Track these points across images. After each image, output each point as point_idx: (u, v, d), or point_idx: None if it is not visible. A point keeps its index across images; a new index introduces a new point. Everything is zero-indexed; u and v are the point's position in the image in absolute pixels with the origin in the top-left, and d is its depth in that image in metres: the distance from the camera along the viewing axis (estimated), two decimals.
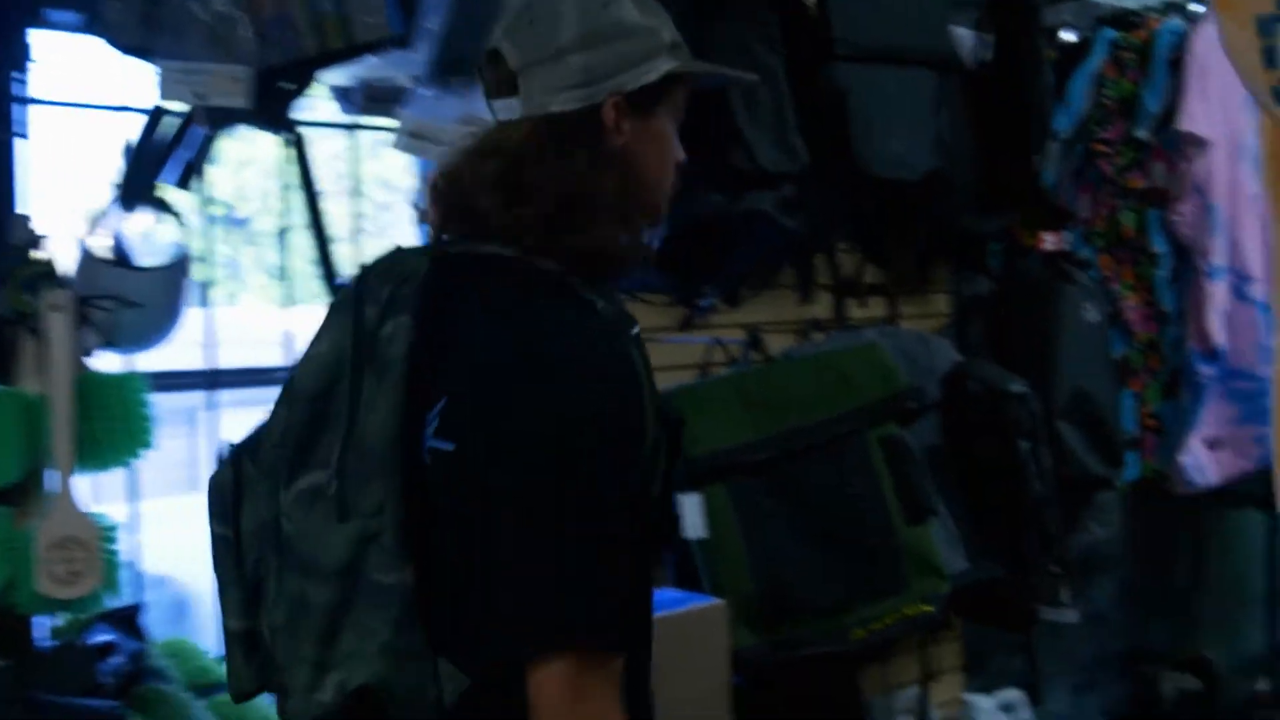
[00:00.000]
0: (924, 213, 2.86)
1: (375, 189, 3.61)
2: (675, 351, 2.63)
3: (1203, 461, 3.06)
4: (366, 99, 2.37)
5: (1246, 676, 3.88)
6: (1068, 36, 3.22)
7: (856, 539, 2.39)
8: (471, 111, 2.09)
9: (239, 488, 1.35)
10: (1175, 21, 3.08)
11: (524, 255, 1.29)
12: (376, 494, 1.24)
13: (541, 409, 1.18)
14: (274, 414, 1.34)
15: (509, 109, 1.33)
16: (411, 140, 2.10)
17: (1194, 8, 3.20)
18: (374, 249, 1.70)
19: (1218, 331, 3.02)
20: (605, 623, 1.17)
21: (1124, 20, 3.17)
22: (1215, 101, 2.96)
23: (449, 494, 1.23)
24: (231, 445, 1.39)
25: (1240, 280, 3.04)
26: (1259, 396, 3.09)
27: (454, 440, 1.22)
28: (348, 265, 2.15)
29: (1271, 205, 1.25)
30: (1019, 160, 3.02)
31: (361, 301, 1.31)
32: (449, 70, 2.09)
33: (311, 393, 1.30)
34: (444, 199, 1.36)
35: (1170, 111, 2.99)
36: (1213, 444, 3.06)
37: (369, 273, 1.34)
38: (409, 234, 2.45)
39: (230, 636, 1.36)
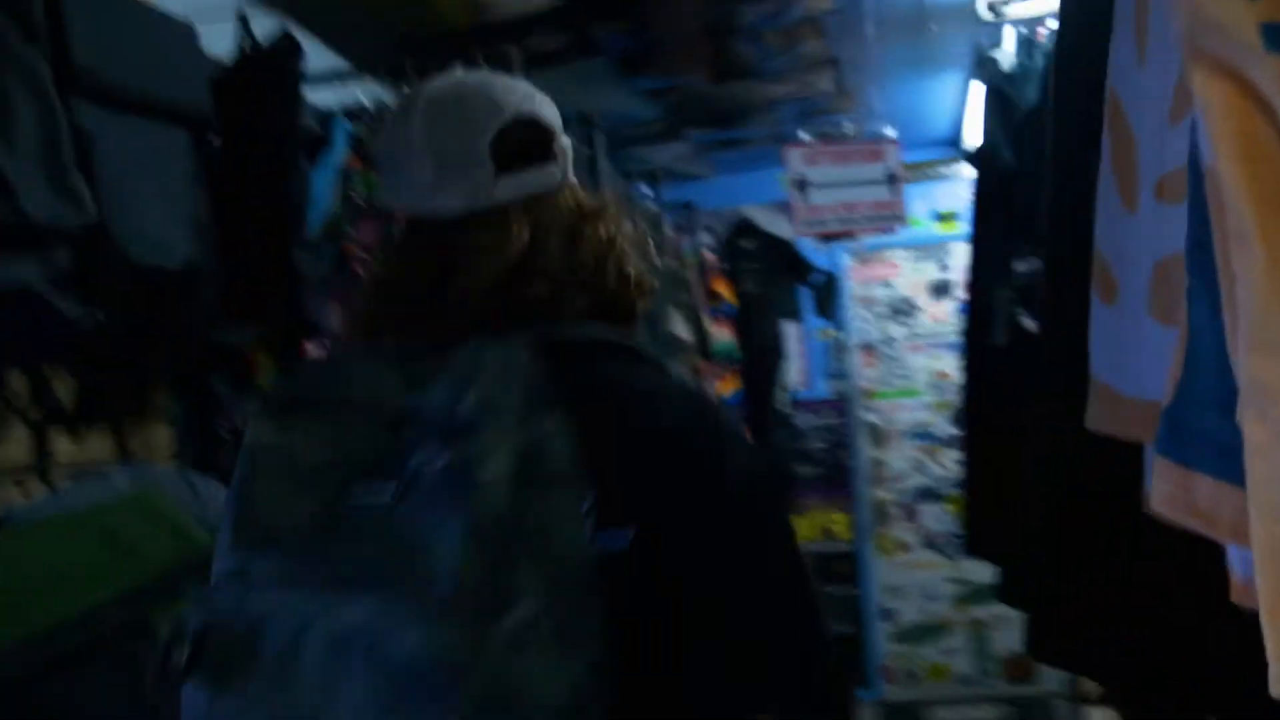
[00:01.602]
0: (172, 317, 2.18)
1: None
2: None
3: None
4: None
5: None
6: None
7: None
8: None
9: None
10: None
11: (610, 333, 1.26)
12: (590, 619, 1.05)
13: (725, 473, 1.15)
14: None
15: (545, 178, 1.29)
16: None
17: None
18: None
19: None
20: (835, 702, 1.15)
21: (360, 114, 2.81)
22: None
23: (627, 599, 1.07)
24: None
25: None
26: None
27: (626, 527, 1.10)
28: None
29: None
30: (272, 260, 2.48)
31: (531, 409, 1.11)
32: None
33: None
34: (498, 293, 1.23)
35: None
36: None
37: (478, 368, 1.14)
38: None
39: None
